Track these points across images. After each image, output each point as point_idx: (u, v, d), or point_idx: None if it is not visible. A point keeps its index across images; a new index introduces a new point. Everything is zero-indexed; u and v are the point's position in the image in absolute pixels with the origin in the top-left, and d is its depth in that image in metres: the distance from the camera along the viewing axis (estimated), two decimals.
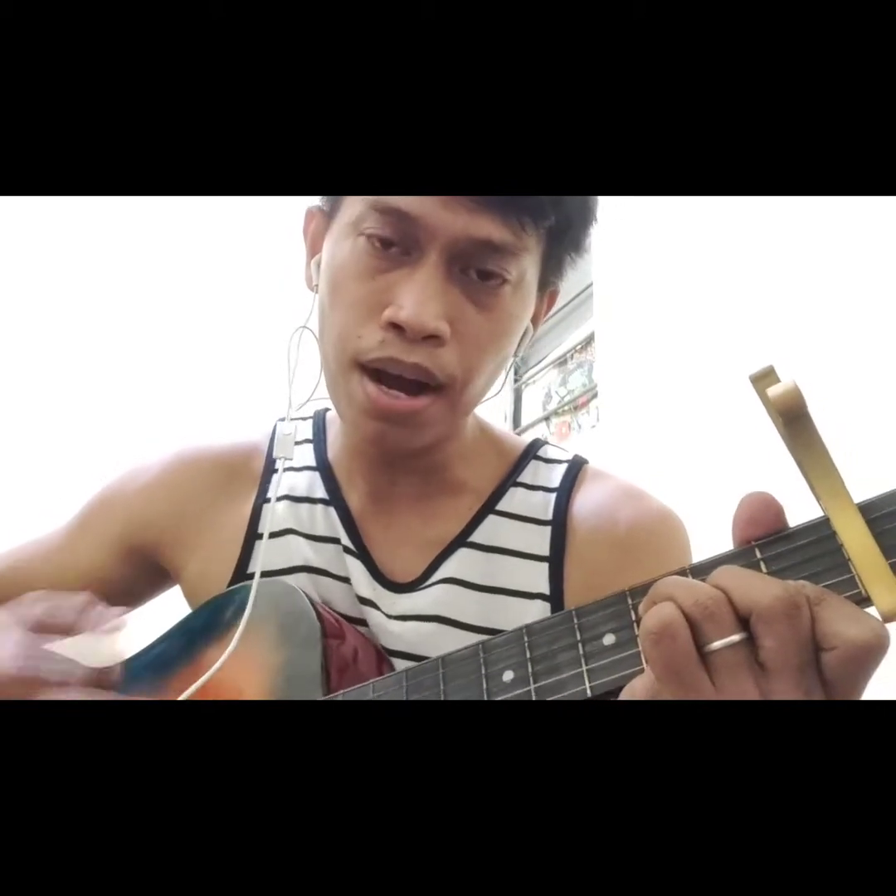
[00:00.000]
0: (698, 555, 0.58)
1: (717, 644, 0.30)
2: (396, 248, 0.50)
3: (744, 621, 0.30)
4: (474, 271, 0.50)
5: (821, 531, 0.31)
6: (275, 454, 0.62)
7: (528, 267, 0.53)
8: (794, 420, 0.27)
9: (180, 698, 0.48)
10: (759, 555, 0.32)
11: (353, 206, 0.51)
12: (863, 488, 0.31)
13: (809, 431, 0.27)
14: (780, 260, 1.46)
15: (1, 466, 1.89)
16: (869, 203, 1.27)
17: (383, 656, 0.56)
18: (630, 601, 0.34)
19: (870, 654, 0.28)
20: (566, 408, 2.24)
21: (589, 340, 2.19)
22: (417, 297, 0.48)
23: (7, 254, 2.06)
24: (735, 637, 0.29)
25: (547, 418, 2.32)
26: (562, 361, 2.33)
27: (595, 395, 2.07)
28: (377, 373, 0.50)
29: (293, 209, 0.59)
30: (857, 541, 0.28)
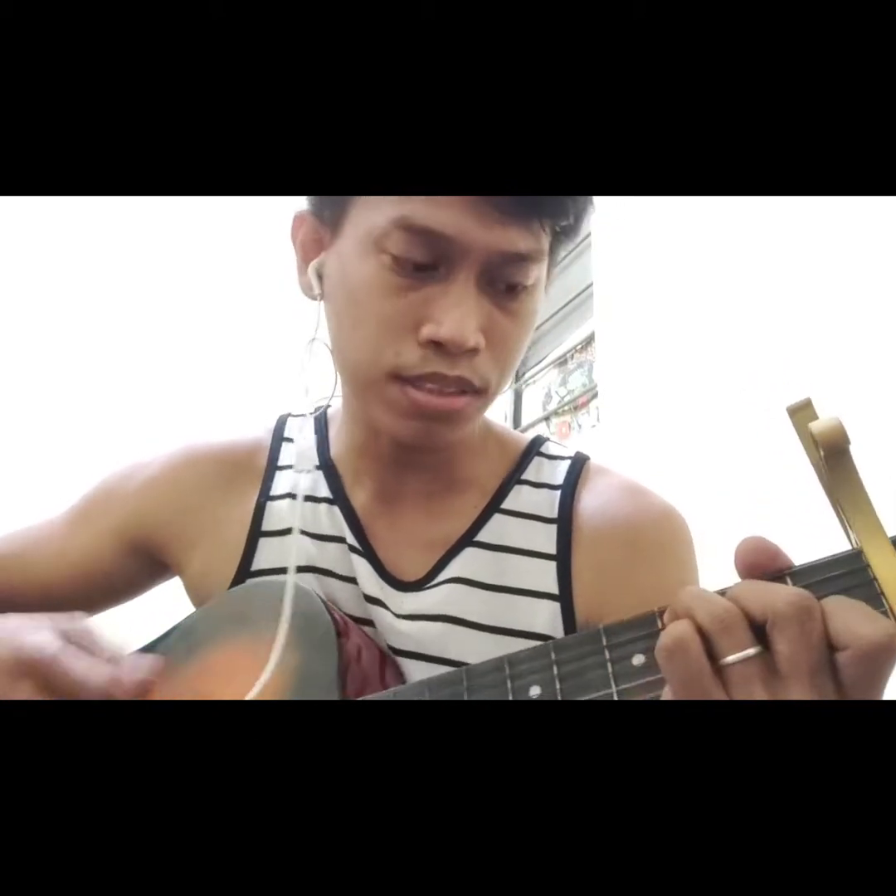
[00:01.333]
0: (700, 554, 0.59)
1: (731, 658, 0.30)
2: (427, 267, 0.50)
3: (760, 633, 0.31)
4: (503, 283, 0.51)
5: (853, 563, 0.31)
6: (296, 469, 0.62)
7: (544, 266, 0.54)
8: (835, 456, 0.28)
9: (247, 697, 0.47)
10: (790, 583, 0.32)
11: (367, 218, 0.50)
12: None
13: (849, 466, 0.28)
14: (781, 260, 1.46)
15: (4, 462, 1.88)
16: (869, 203, 1.27)
17: (386, 656, 0.56)
18: (659, 623, 0.35)
19: (883, 654, 0.29)
20: (566, 408, 2.24)
21: (589, 340, 2.19)
22: (455, 313, 0.48)
23: (7, 254, 2.04)
24: (750, 651, 0.30)
25: (547, 418, 2.32)
26: (562, 361, 2.33)
27: (595, 395, 2.07)
28: (418, 385, 0.51)
29: (291, 208, 0.59)
30: (890, 574, 0.29)
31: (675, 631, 0.31)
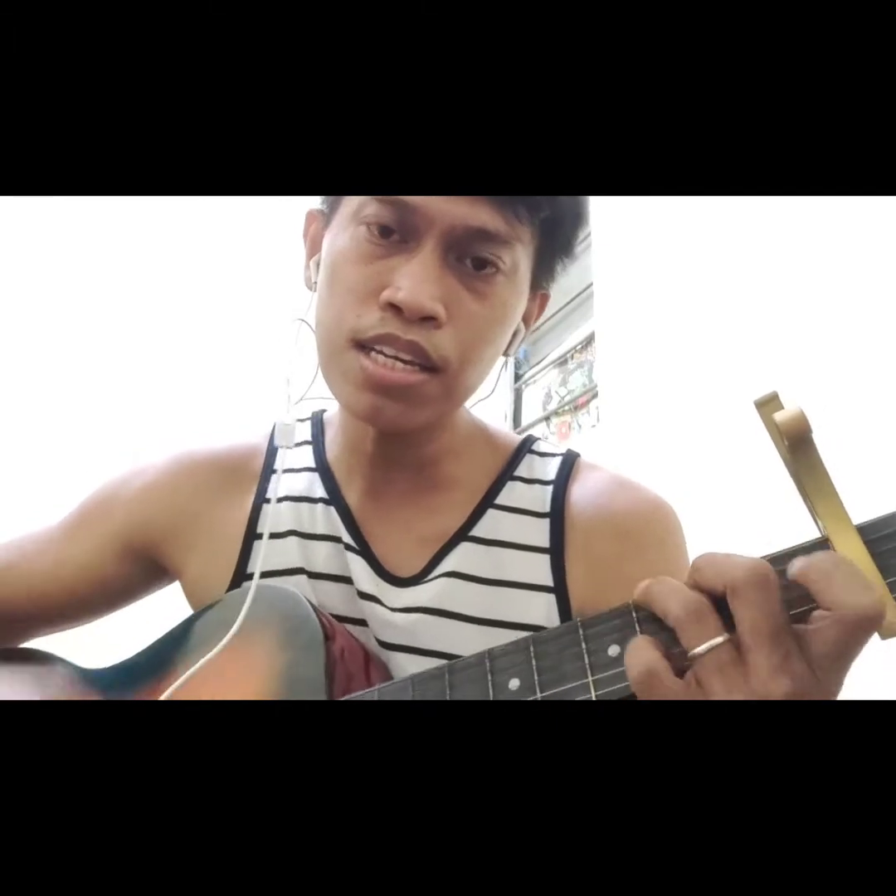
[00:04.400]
0: (694, 550, 0.59)
1: (699, 648, 0.32)
2: (395, 235, 0.51)
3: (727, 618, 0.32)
4: (469, 260, 0.52)
5: (820, 551, 0.31)
6: (275, 443, 0.62)
7: (521, 258, 0.54)
8: (798, 444, 0.28)
9: (162, 697, 0.48)
10: None
11: (353, 200, 0.53)
12: (856, 499, 0.32)
13: (812, 455, 0.28)
14: (781, 260, 1.46)
15: (1, 467, 1.89)
16: (869, 203, 1.27)
17: (370, 655, 0.56)
18: (634, 614, 0.35)
19: (866, 624, 0.29)
20: (566, 408, 2.24)
21: (589, 340, 2.19)
22: (415, 279, 0.50)
23: (7, 254, 2.05)
24: (718, 640, 0.32)
25: (547, 418, 2.33)
26: (562, 361, 2.33)
27: (595, 395, 2.07)
28: (373, 351, 0.52)
29: (289, 210, 0.61)
30: (855, 560, 0.29)
31: (642, 662, 0.33)
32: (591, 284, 2.10)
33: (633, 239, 1.90)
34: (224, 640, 0.49)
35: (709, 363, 1.58)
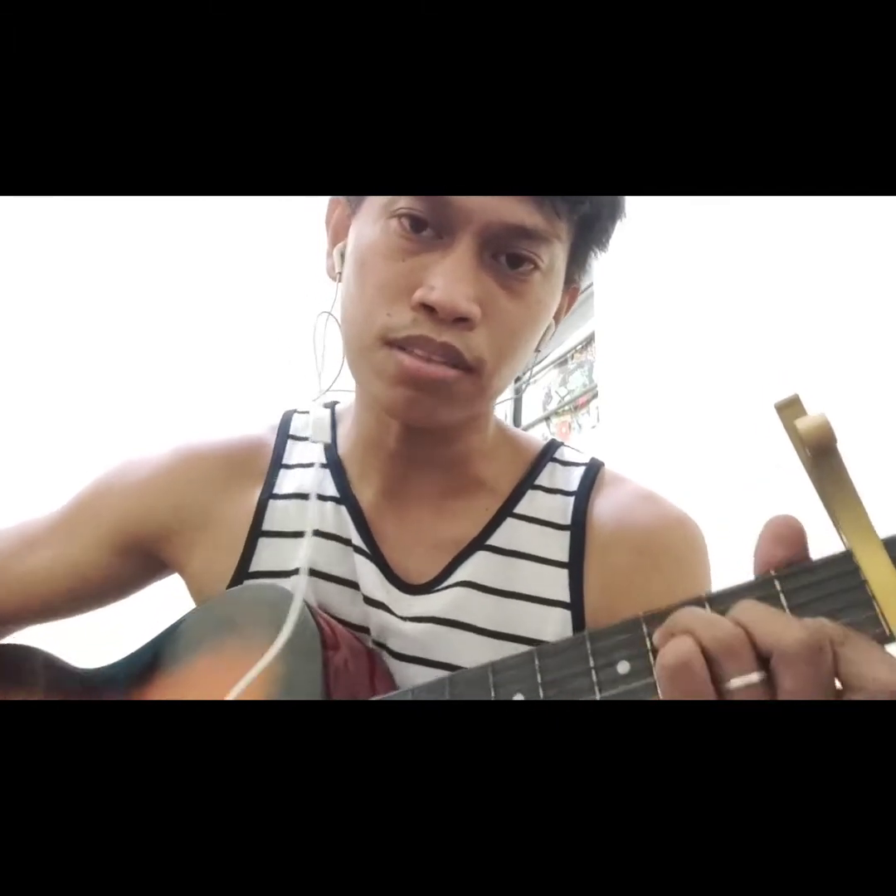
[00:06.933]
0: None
1: (736, 683, 0.29)
2: (429, 230, 0.50)
3: (763, 659, 0.30)
4: (505, 257, 0.50)
5: (843, 566, 0.30)
6: (312, 439, 0.60)
7: (558, 255, 0.53)
8: (822, 454, 0.27)
9: (228, 698, 0.47)
10: (779, 587, 0.31)
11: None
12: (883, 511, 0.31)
13: (837, 464, 0.27)
14: (782, 260, 1.45)
15: (4, 458, 1.88)
16: (869, 203, 1.26)
17: (376, 666, 0.55)
18: (644, 628, 0.34)
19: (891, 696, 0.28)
20: (566, 408, 2.23)
21: (589, 340, 2.18)
22: (449, 278, 0.48)
23: (7, 254, 2.04)
24: (754, 677, 0.29)
25: (547, 418, 2.32)
26: (562, 361, 2.32)
27: (595, 395, 2.06)
28: (406, 347, 0.50)
29: (298, 207, 0.59)
30: (881, 577, 0.28)
31: (679, 650, 0.30)
32: (592, 284, 2.09)
33: (633, 239, 1.89)
34: (278, 641, 0.47)
35: (709, 363, 1.57)
